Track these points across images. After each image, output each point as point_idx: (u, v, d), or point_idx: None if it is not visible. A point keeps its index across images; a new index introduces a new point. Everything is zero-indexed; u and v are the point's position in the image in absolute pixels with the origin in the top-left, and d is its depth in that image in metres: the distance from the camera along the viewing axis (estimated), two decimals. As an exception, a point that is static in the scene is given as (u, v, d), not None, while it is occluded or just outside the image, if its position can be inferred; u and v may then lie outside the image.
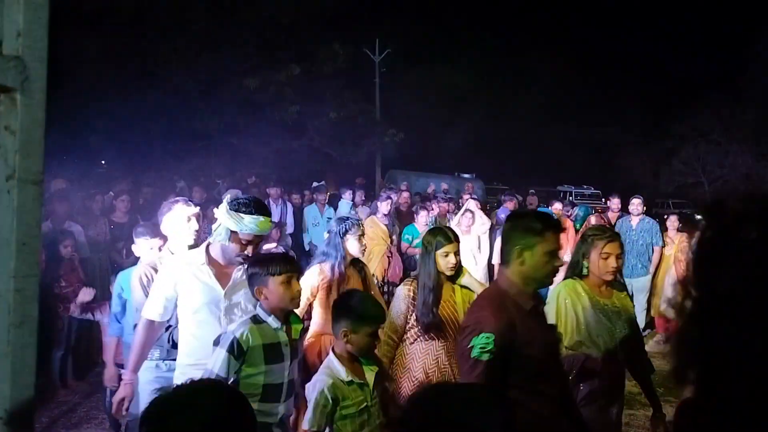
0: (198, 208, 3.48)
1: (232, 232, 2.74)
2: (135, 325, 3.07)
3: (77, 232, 5.53)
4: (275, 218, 8.28)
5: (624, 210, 8.74)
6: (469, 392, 1.22)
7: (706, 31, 31.46)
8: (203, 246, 2.90)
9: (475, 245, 7.56)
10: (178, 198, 3.62)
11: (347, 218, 4.07)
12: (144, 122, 15.17)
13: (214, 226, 2.87)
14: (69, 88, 13.67)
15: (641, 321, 7.07)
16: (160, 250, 3.57)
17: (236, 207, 2.72)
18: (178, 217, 3.36)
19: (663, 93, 31.90)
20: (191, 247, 3.29)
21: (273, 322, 2.57)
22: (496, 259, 7.89)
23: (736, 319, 0.68)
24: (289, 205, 8.63)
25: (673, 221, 7.90)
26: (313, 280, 3.69)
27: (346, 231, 3.84)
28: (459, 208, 8.84)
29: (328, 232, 3.95)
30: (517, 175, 27.99)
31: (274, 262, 2.62)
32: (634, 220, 7.76)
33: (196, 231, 3.38)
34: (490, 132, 29.63)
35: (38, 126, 1.04)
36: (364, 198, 10.03)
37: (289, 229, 8.47)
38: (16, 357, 1.04)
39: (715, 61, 31.24)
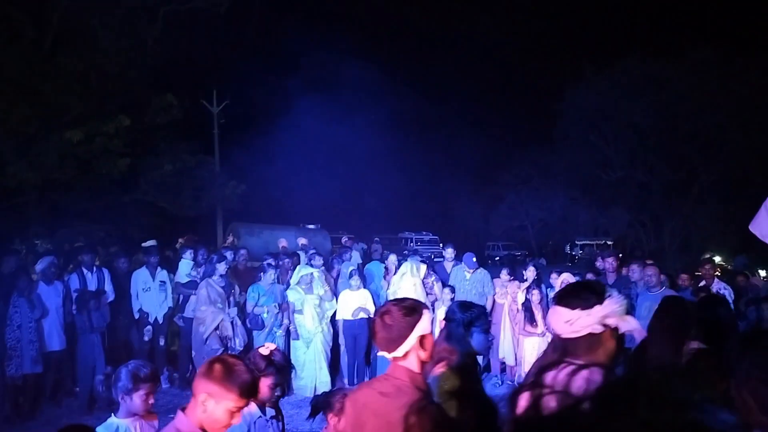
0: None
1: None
2: None
3: None
4: (91, 286, 7.47)
5: (459, 258, 9.22)
6: None
7: (523, 90, 35.52)
8: None
9: None
10: None
11: (472, 304, 2.97)
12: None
13: None
14: None
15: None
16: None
17: None
18: None
19: (489, 145, 34.86)
20: None
21: None
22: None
23: None
24: (105, 270, 7.77)
25: (504, 274, 8.42)
26: None
27: (473, 321, 2.75)
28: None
29: (448, 320, 2.79)
30: (361, 224, 28.58)
31: None
32: (468, 273, 8.33)
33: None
34: (333, 183, 30.14)
35: None
36: (206, 257, 9.40)
37: (110, 296, 7.60)
38: None
39: (531, 117, 35.17)
